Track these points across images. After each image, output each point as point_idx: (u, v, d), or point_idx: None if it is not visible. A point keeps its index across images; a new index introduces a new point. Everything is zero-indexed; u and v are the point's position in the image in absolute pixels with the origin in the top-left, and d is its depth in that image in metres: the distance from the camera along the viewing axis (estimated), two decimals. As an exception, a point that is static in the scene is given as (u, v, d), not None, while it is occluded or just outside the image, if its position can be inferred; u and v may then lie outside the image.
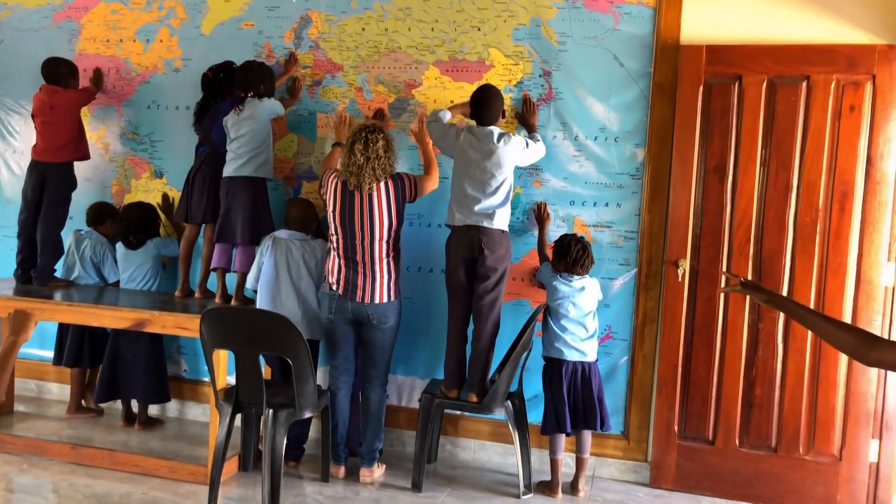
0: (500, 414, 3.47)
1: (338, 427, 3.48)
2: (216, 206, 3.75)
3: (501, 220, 3.37)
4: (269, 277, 3.52)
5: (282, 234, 3.58)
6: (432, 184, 3.53)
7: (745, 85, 3.43)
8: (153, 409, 4.18)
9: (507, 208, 3.42)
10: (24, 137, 4.40)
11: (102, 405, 4.17)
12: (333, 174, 3.40)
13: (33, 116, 4.02)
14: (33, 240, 3.96)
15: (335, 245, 3.38)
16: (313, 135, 4.02)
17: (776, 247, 3.44)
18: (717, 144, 3.49)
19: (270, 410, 3.08)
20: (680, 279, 3.53)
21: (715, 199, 3.50)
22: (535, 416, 3.66)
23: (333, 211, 3.34)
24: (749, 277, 3.45)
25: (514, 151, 3.41)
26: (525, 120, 3.70)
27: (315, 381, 3.16)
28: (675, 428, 3.55)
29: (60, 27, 4.37)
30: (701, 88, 3.47)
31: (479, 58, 3.79)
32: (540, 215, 3.71)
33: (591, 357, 3.47)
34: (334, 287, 3.37)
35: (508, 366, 3.35)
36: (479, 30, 3.78)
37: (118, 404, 4.12)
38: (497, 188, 3.36)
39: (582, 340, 3.44)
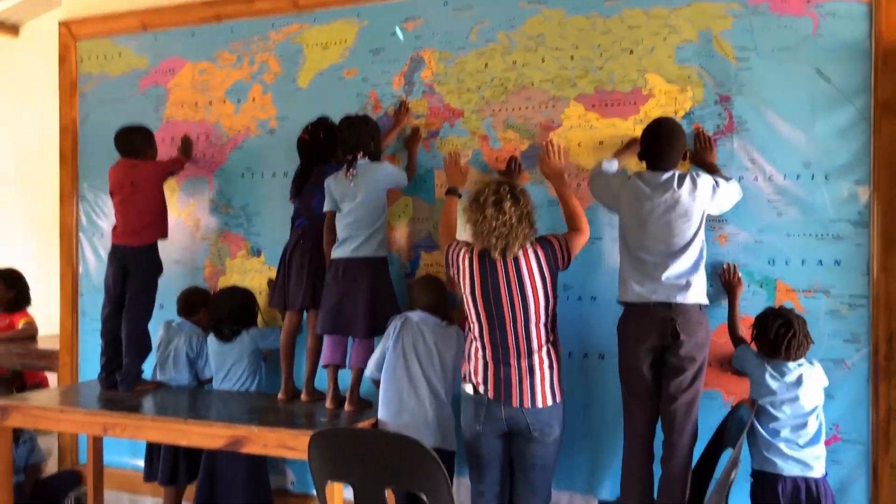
0: (702, 554, 2.59)
1: (485, 571, 2.70)
2: (318, 288, 3.11)
3: (698, 292, 2.57)
4: (394, 367, 2.86)
5: (413, 315, 2.90)
6: (583, 238, 2.76)
7: None
8: (256, 532, 3.51)
9: (703, 274, 2.61)
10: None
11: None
12: (462, 247, 2.69)
13: (111, 195, 3.53)
14: (118, 338, 3.42)
15: (476, 335, 2.65)
16: (431, 196, 3.34)
17: None
18: (979, 174, 2.57)
19: (401, 563, 2.34)
20: (939, 360, 2.59)
21: (983, 248, 2.57)
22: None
23: (472, 292, 2.61)
24: None
25: (704, 196, 2.61)
26: (701, 159, 2.89)
27: (457, 520, 2.39)
28: (952, 569, 2.57)
29: (146, 94, 3.92)
30: (949, 101, 2.58)
31: (634, 86, 3.03)
32: (729, 281, 2.86)
33: (817, 471, 2.57)
34: (480, 388, 2.62)
35: (715, 493, 2.47)
36: (631, 52, 3.03)
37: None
38: (685, 247, 2.57)
39: (802, 448, 2.56)
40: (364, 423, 2.86)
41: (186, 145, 3.76)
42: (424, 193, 3.36)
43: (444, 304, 2.96)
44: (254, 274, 3.67)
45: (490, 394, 2.58)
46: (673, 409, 2.50)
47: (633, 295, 2.60)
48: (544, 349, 2.59)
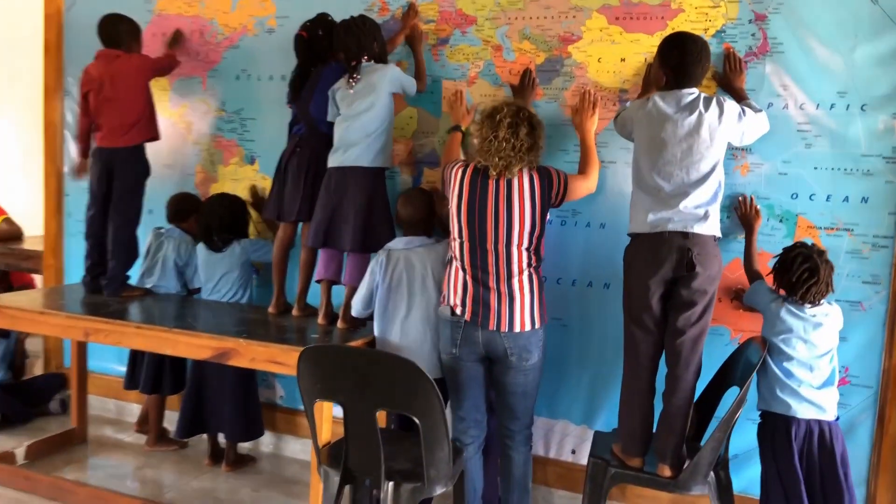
0: (700, 490, 2.52)
1: (468, 496, 2.64)
2: (315, 200, 2.95)
3: (714, 224, 2.42)
4: (385, 306, 2.72)
5: (397, 244, 2.75)
6: (588, 186, 2.66)
7: None
8: (245, 444, 3.47)
9: (719, 206, 2.46)
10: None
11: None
12: (460, 162, 2.57)
13: (85, 94, 3.27)
14: (103, 241, 3.28)
15: (457, 254, 2.53)
16: (438, 109, 3.15)
17: None
18: None
19: (390, 484, 2.26)
20: (961, 306, 2.47)
21: None
22: (738, 482, 2.71)
23: (459, 205, 2.49)
24: None
25: (730, 123, 2.43)
26: (728, 82, 2.70)
27: (449, 445, 2.30)
28: (950, 516, 2.52)
29: (137, -17, 3.67)
30: None
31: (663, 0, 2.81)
32: (746, 213, 2.71)
33: (830, 414, 2.46)
34: (458, 310, 2.51)
35: (718, 430, 2.38)
36: (663, -39, 2.80)
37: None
38: (706, 176, 2.40)
39: (816, 389, 2.44)
40: (357, 342, 2.75)
41: (177, 38, 3.51)
42: (431, 105, 3.16)
43: (430, 218, 2.80)
44: (247, 182, 3.50)
45: (467, 316, 2.49)
46: (679, 342, 2.39)
47: (646, 225, 2.43)
48: (525, 273, 2.47)
